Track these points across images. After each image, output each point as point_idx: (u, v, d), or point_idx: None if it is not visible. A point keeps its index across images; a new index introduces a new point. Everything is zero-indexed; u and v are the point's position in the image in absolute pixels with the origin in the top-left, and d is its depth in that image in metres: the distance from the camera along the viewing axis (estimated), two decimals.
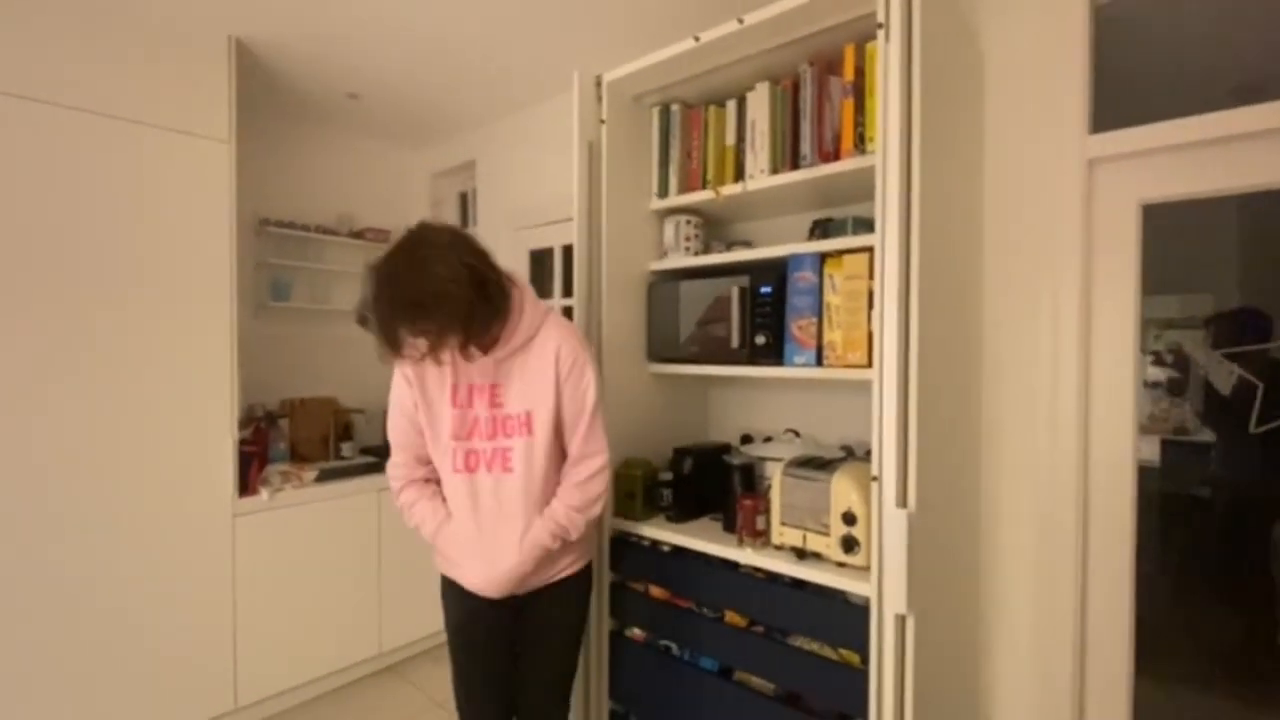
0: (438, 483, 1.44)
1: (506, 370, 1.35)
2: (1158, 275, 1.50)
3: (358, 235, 3.17)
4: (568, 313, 2.80)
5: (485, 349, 1.29)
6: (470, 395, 1.36)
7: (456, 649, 1.48)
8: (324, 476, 2.53)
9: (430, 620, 2.71)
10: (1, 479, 1.80)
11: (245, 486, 2.28)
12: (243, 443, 2.32)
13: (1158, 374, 1.64)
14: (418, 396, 1.37)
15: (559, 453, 1.41)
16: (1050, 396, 1.53)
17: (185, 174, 2.13)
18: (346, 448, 2.90)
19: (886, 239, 1.25)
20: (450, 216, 3.52)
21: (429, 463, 1.43)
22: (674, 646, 1.68)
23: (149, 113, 2.05)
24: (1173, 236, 1.52)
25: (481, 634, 1.45)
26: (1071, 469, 1.50)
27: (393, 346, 1.17)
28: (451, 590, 1.45)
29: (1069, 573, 1.51)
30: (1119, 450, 1.49)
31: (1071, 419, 1.50)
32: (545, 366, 1.34)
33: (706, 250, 1.88)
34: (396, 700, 2.45)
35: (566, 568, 1.46)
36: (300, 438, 2.83)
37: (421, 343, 1.16)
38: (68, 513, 1.90)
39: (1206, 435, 1.63)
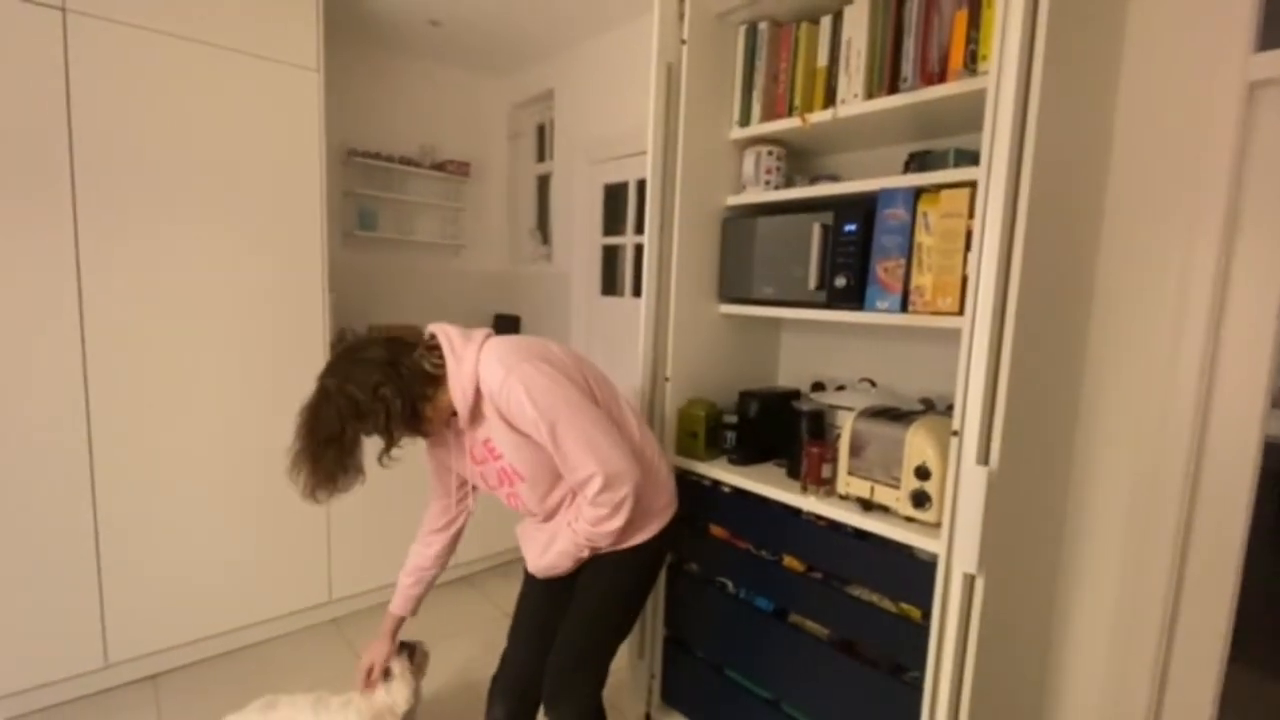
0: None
1: (483, 427, 1.27)
2: None
3: (439, 168, 3.21)
4: (638, 250, 2.75)
5: (430, 428, 1.28)
6: (485, 450, 1.31)
7: (521, 591, 1.53)
8: None
9: (499, 539, 2.88)
10: (102, 405, 1.96)
11: None
12: None
13: None
14: (443, 455, 1.41)
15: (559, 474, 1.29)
16: (1169, 356, 1.36)
17: (277, 102, 2.20)
18: None
19: (993, 172, 1.12)
20: (528, 149, 3.51)
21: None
22: (729, 584, 1.70)
23: (240, 40, 2.11)
24: None
25: (538, 584, 1.46)
26: (1184, 437, 1.35)
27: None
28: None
29: (1165, 549, 1.38)
30: (1245, 421, 1.32)
31: (1192, 383, 1.34)
32: (492, 412, 1.23)
33: (788, 184, 1.77)
34: (468, 608, 2.64)
35: (623, 541, 1.32)
36: None
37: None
38: (167, 417, 2.10)
39: None
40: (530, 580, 1.49)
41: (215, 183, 2.11)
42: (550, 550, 1.33)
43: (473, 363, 1.22)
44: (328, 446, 1.15)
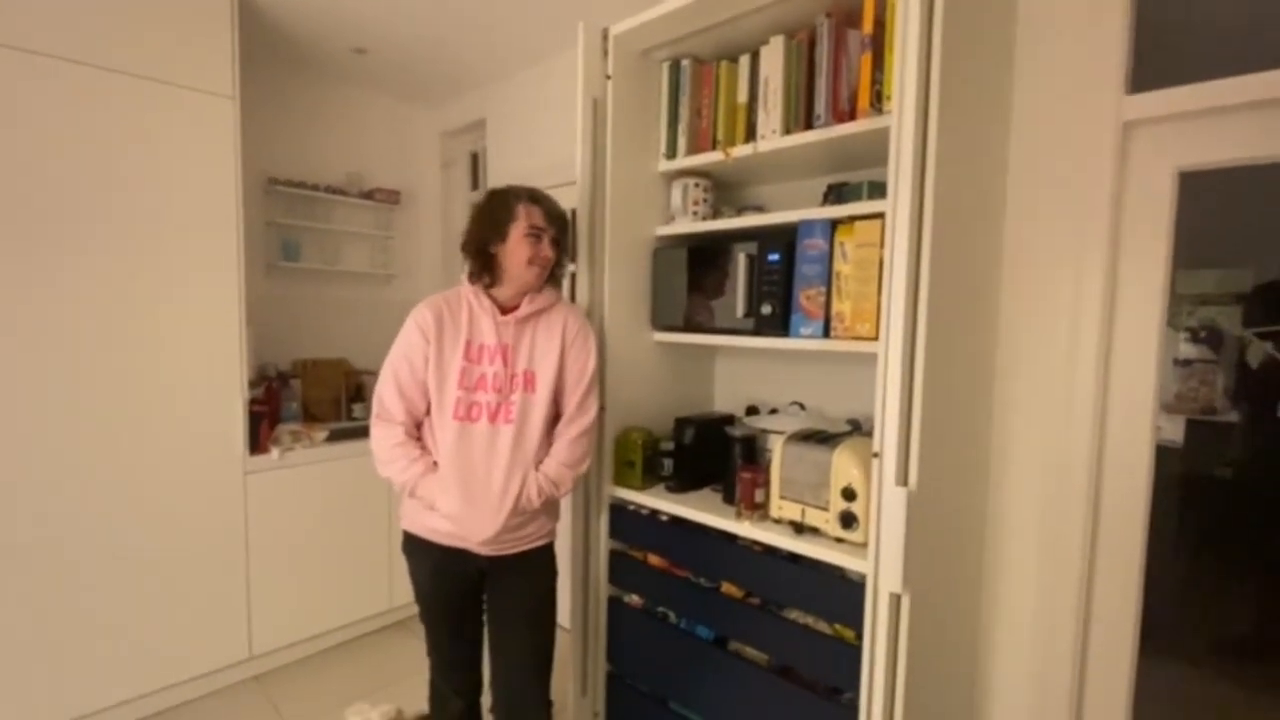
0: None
1: (519, 334, 1.46)
2: (1195, 248, 1.41)
3: (367, 195, 3.13)
4: (571, 279, 2.77)
5: (515, 304, 1.46)
6: (481, 352, 1.45)
7: (432, 608, 1.52)
8: (335, 436, 2.56)
9: None
10: (11, 440, 1.83)
11: (256, 445, 2.32)
12: (253, 402, 2.35)
13: (1189, 351, 1.56)
14: (432, 352, 1.42)
15: (553, 416, 1.48)
16: (1067, 372, 1.46)
17: (189, 130, 2.10)
18: (358, 409, 2.92)
19: (898, 204, 1.19)
20: (461, 178, 3.47)
21: (418, 425, 1.47)
22: (671, 614, 1.69)
23: (150, 66, 2.01)
24: (1211, 208, 1.42)
25: (457, 591, 1.49)
26: (1085, 448, 1.44)
27: (529, 218, 1.43)
28: (420, 549, 1.48)
29: (1076, 554, 1.46)
30: (1137, 428, 1.42)
31: (1089, 396, 1.44)
32: (554, 335, 1.48)
33: (715, 215, 1.82)
34: (406, 653, 2.52)
35: (538, 537, 1.52)
36: (312, 398, 2.86)
37: (543, 224, 1.45)
38: (79, 468, 1.94)
39: (1235, 415, 1.56)
40: (444, 583, 1.49)
41: (127, 213, 1.99)
42: (510, 490, 1.40)
43: (557, 297, 1.54)
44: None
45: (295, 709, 2.18)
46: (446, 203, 3.52)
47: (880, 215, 1.35)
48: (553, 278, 1.53)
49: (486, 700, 1.59)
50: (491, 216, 1.45)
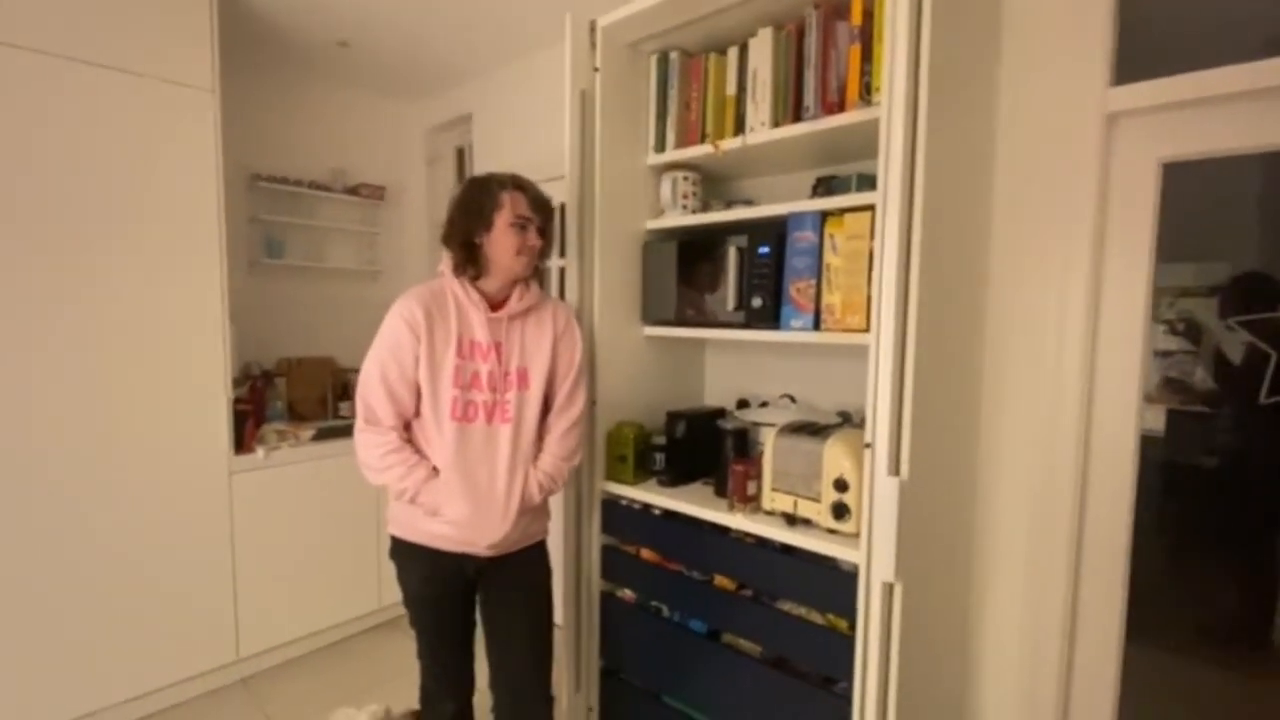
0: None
1: (509, 331, 1.44)
2: (1174, 241, 1.43)
3: (352, 191, 3.10)
4: (560, 274, 2.75)
5: (503, 299, 1.45)
6: (473, 349, 1.42)
7: (424, 613, 1.49)
8: (322, 435, 2.53)
9: None
10: None
11: (241, 444, 2.29)
12: (238, 401, 2.31)
13: (1169, 343, 1.58)
14: (423, 350, 1.37)
15: (546, 412, 1.48)
16: (1055, 363, 1.48)
17: (170, 124, 2.06)
18: (344, 407, 2.89)
19: (888, 196, 1.19)
20: (447, 173, 3.44)
21: (408, 427, 1.43)
22: (664, 608, 1.69)
23: (125, 59, 1.97)
24: (1190, 201, 1.44)
25: (450, 594, 1.47)
26: (1072, 437, 1.46)
27: (515, 207, 1.40)
28: (414, 556, 1.44)
29: (1064, 542, 1.48)
30: (1122, 419, 1.44)
31: (1075, 386, 1.45)
32: (544, 329, 1.48)
33: (705, 209, 1.82)
34: (395, 653, 2.50)
35: (538, 532, 1.54)
36: (297, 397, 2.82)
37: (529, 213, 1.41)
38: (62, 470, 1.91)
39: (1216, 405, 1.58)
40: (440, 587, 1.47)
41: (104, 208, 1.95)
42: (513, 493, 1.41)
43: (544, 294, 1.53)
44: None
45: (283, 712, 2.15)
46: (432, 199, 3.49)
47: (870, 208, 1.36)
48: (536, 271, 1.51)
49: (478, 700, 1.58)
50: (475, 205, 1.40)
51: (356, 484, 2.55)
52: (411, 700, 1.66)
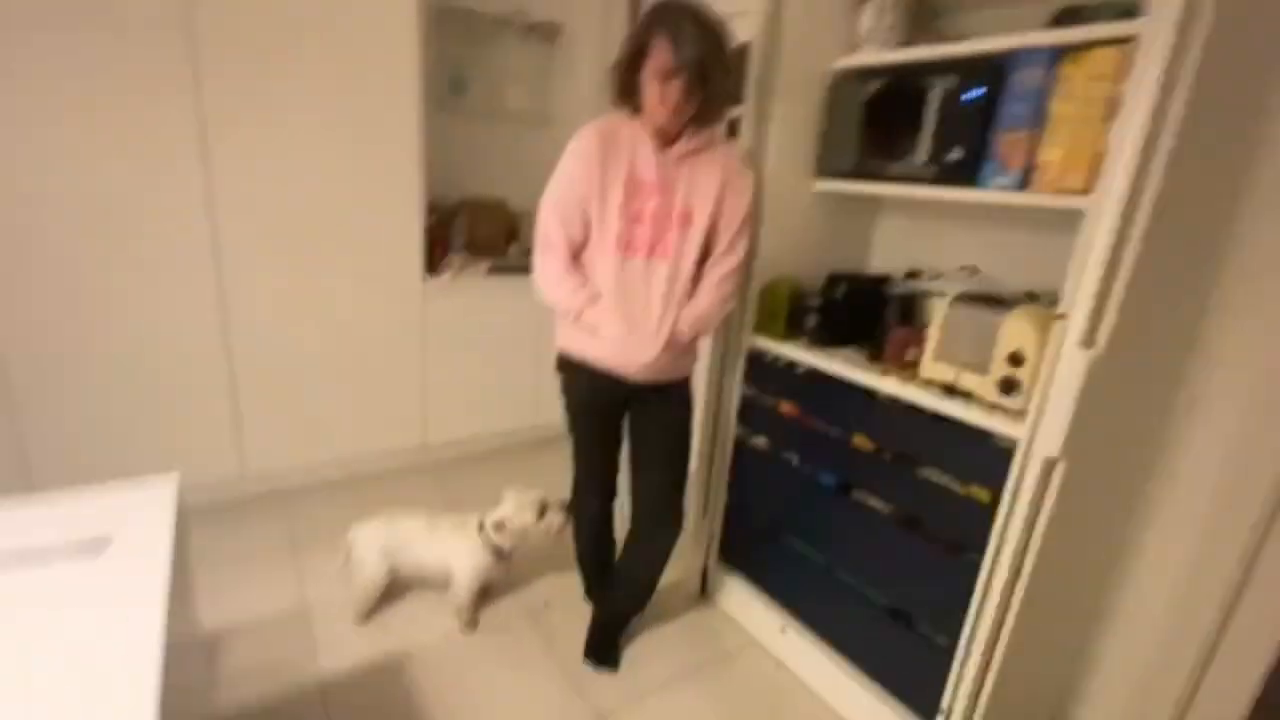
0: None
1: (678, 172, 1.45)
2: None
3: (530, 29, 3.09)
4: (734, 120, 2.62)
5: (673, 137, 1.43)
6: (640, 186, 1.45)
7: (580, 419, 1.68)
8: (495, 270, 2.78)
9: None
10: (196, 258, 2.10)
11: (431, 266, 2.58)
12: (429, 230, 2.58)
13: None
14: (595, 182, 1.43)
15: (705, 255, 1.50)
16: None
17: None
18: (513, 250, 3.09)
19: (1160, 20, 0.97)
20: (619, 11, 3.29)
21: (576, 257, 1.52)
22: (795, 459, 1.75)
23: None
24: None
25: (604, 406, 1.63)
26: None
27: (657, 58, 1.33)
28: (577, 370, 1.59)
29: (1263, 488, 1.27)
30: None
31: None
32: (714, 174, 1.46)
33: (908, 44, 1.60)
34: (548, 465, 2.86)
35: (685, 367, 1.62)
36: (476, 234, 3.06)
37: (671, 66, 1.31)
38: (270, 279, 2.25)
39: None
40: (598, 402, 1.63)
41: (310, 50, 2.12)
42: (663, 326, 1.48)
43: (720, 137, 1.52)
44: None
45: (460, 490, 2.61)
46: (606, 40, 3.38)
47: (1126, 40, 1.12)
48: (709, 118, 1.44)
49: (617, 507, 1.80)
50: (635, 40, 1.37)
51: (521, 318, 2.81)
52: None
